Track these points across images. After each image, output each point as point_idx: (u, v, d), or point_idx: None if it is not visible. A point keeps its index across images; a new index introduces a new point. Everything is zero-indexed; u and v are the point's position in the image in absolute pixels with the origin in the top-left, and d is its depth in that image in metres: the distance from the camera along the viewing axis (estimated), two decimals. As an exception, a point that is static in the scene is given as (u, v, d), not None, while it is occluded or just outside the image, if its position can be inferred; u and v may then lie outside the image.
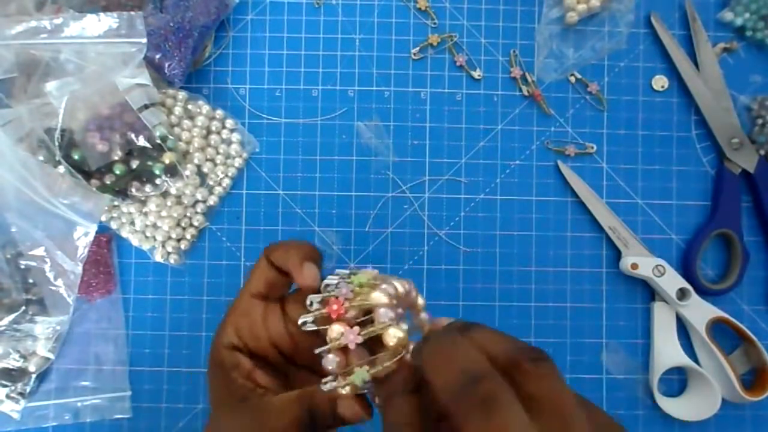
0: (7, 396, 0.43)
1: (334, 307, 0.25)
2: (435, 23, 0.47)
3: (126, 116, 0.42)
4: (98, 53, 0.42)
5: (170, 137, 0.43)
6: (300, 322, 0.26)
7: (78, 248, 0.42)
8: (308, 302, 0.27)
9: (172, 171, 0.43)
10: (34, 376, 0.43)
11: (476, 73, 0.47)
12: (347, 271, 0.28)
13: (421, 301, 0.28)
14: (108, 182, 0.43)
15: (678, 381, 0.47)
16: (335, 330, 0.25)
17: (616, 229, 0.46)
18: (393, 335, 0.25)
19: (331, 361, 0.25)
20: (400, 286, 0.27)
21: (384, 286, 0.26)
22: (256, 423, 0.27)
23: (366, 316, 0.26)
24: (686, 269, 0.46)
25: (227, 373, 0.29)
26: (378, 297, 0.26)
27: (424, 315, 0.29)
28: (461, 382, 0.19)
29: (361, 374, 0.24)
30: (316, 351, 0.25)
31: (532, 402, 0.19)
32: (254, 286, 0.31)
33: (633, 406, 0.46)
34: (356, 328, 0.25)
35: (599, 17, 0.47)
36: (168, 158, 0.43)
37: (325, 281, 0.28)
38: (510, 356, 0.21)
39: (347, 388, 0.25)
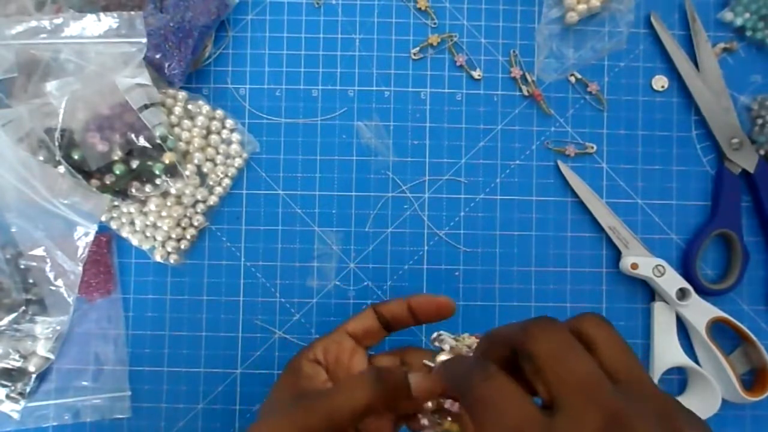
0: (7, 396, 0.43)
1: None
2: (435, 23, 0.47)
3: (126, 116, 0.42)
4: (98, 53, 0.42)
5: (170, 137, 0.43)
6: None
7: (78, 248, 0.42)
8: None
9: (172, 171, 0.43)
10: (34, 376, 0.43)
11: (476, 73, 0.47)
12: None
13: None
14: (108, 182, 0.43)
15: (678, 381, 0.47)
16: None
17: (616, 229, 0.46)
18: None
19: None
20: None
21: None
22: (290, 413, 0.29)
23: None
24: (686, 269, 0.46)
25: (298, 380, 0.31)
26: None
27: None
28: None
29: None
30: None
31: None
32: (352, 327, 0.33)
33: (633, 406, 0.46)
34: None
35: (599, 17, 0.47)
36: (168, 158, 0.43)
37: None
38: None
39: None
